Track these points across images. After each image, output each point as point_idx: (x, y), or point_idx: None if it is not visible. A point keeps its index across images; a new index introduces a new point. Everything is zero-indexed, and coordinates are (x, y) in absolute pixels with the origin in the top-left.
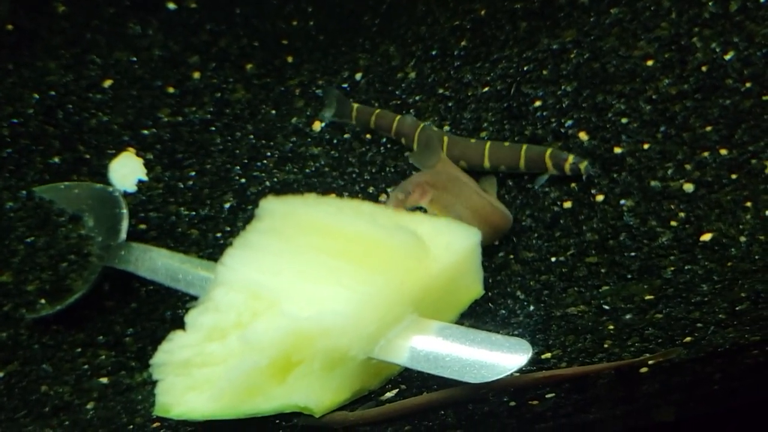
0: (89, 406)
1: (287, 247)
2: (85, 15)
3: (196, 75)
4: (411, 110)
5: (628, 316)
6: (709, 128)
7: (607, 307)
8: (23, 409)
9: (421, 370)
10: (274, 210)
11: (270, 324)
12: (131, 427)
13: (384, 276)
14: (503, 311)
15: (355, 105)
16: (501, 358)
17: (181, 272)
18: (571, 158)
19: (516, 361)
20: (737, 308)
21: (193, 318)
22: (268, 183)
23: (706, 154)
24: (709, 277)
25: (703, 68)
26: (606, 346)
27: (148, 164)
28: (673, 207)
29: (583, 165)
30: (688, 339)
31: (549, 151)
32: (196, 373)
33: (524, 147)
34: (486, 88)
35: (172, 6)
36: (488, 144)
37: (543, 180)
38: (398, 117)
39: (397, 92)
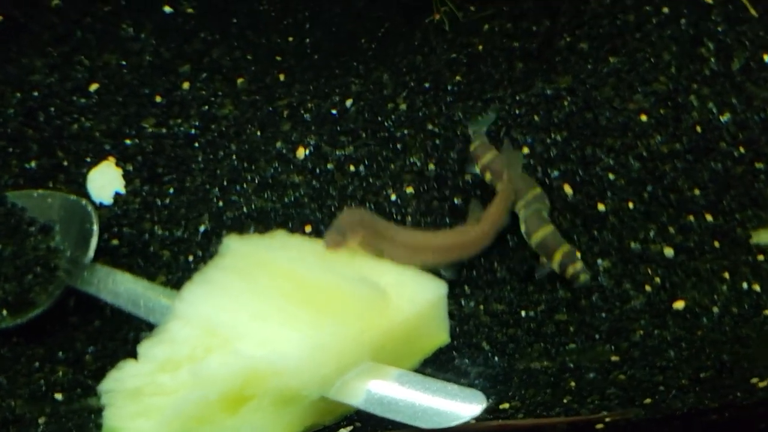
0: (41, 420)
1: (247, 288)
2: (78, 11)
3: (186, 85)
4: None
5: (591, 375)
6: (697, 191)
7: (571, 365)
8: None
9: (375, 413)
10: (237, 249)
11: (222, 360)
12: None
13: (340, 324)
14: (467, 360)
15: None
16: (455, 406)
17: (143, 298)
18: (578, 265)
19: (470, 410)
20: (701, 375)
21: (146, 349)
22: (245, 209)
23: (691, 218)
24: (677, 344)
25: (698, 128)
26: (565, 401)
27: (127, 176)
28: (650, 271)
29: (582, 278)
30: (648, 400)
31: (564, 247)
32: (146, 400)
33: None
34: None
35: (168, 9)
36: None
37: (544, 272)
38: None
39: (386, 123)
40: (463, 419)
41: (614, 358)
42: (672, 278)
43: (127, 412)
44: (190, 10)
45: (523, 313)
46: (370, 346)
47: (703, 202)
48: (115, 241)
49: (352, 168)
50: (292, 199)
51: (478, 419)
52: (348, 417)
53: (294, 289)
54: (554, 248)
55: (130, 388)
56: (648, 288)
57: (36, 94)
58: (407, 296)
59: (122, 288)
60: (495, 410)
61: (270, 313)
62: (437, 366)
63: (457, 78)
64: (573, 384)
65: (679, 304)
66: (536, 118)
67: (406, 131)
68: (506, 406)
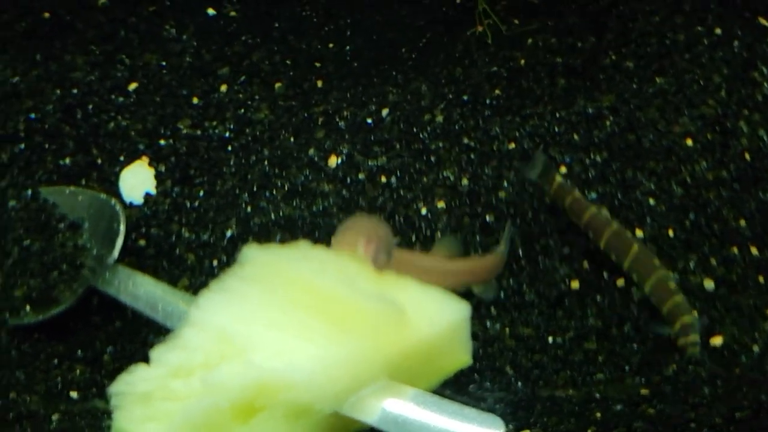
0: (54, 417)
1: (264, 298)
2: (124, 11)
3: (223, 88)
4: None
5: (618, 407)
6: (742, 222)
7: (597, 395)
8: None
9: None
10: (257, 258)
11: (234, 370)
12: None
13: (356, 340)
14: (488, 383)
15: (558, 178)
16: (472, 430)
17: (162, 302)
18: (690, 338)
19: None
20: (736, 415)
21: (159, 354)
22: (273, 216)
23: (734, 250)
24: (712, 381)
25: (747, 156)
26: (589, 431)
27: (159, 176)
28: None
29: (690, 351)
30: None
31: (685, 317)
32: (156, 405)
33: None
34: (512, 145)
35: (211, 12)
36: (637, 246)
37: (660, 330)
38: (592, 209)
39: (421, 135)
40: None
41: (644, 391)
42: (711, 312)
43: (137, 416)
44: (233, 13)
45: (550, 339)
46: (387, 364)
47: (749, 234)
48: (141, 242)
49: (383, 179)
50: (321, 208)
51: None
52: None
53: (312, 301)
54: (678, 316)
55: (140, 391)
56: None
57: (75, 91)
58: (428, 316)
59: (142, 290)
60: None
61: (286, 324)
62: (457, 388)
63: (497, 92)
64: (598, 415)
65: (717, 340)
66: (576, 136)
67: (441, 144)
68: None
